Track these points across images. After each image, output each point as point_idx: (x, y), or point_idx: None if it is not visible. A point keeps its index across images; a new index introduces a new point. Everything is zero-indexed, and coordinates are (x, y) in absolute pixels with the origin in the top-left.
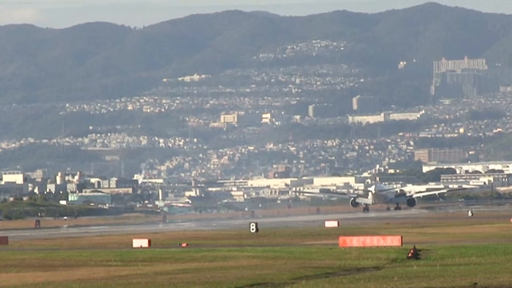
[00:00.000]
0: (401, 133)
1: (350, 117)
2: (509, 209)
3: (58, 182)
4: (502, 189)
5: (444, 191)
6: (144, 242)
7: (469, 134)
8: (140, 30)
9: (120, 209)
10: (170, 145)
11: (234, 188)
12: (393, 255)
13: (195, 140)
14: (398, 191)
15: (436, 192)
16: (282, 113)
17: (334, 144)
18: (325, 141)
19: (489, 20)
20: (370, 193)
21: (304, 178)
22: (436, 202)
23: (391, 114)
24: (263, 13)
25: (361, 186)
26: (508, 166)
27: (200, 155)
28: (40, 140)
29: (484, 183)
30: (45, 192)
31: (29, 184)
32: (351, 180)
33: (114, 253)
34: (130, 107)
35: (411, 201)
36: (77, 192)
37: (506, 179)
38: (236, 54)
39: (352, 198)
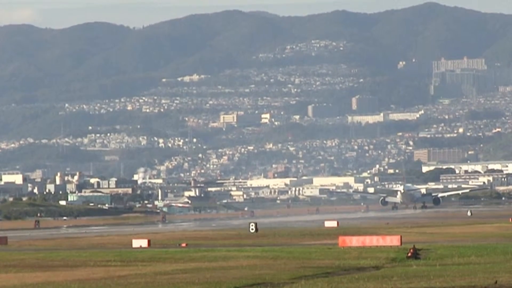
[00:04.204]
0: (400, 133)
1: (350, 117)
2: (509, 208)
3: (58, 182)
4: (501, 188)
5: (467, 190)
6: (143, 242)
7: (468, 134)
8: (139, 30)
9: (120, 209)
10: (170, 145)
11: (234, 188)
12: (392, 254)
13: (194, 140)
14: (425, 191)
15: (460, 192)
16: (282, 113)
17: (334, 144)
18: (325, 141)
19: (489, 20)
20: (399, 193)
21: (304, 178)
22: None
23: (391, 114)
24: (262, 13)
25: (360, 186)
26: (507, 166)
27: (200, 155)
28: (40, 140)
29: (484, 183)
30: (44, 192)
31: (29, 184)
32: (350, 180)
33: (114, 253)
34: (129, 107)
35: (436, 200)
36: (76, 192)
37: (505, 179)
38: (235, 54)
39: (382, 198)
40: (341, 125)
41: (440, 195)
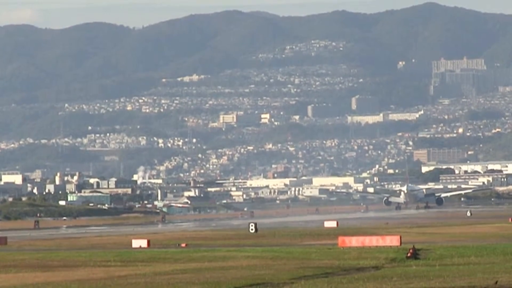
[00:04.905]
0: (400, 133)
1: (349, 117)
2: (508, 209)
3: (57, 182)
4: (501, 189)
5: (470, 190)
6: (143, 243)
7: (468, 134)
8: (139, 30)
9: (119, 210)
10: (169, 145)
11: (233, 188)
12: (392, 255)
13: (194, 140)
14: (424, 191)
15: (463, 192)
16: (281, 113)
17: (333, 144)
18: (324, 141)
19: (488, 20)
20: (402, 193)
21: (303, 178)
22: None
23: (390, 114)
24: (262, 13)
25: (360, 186)
26: (507, 166)
27: (199, 155)
28: (39, 141)
29: (483, 183)
30: (44, 193)
31: (28, 185)
32: (350, 180)
33: (113, 253)
34: (129, 107)
35: (439, 200)
36: (76, 192)
37: (505, 179)
38: (235, 54)
39: (385, 198)
40: (341, 125)
41: (443, 195)
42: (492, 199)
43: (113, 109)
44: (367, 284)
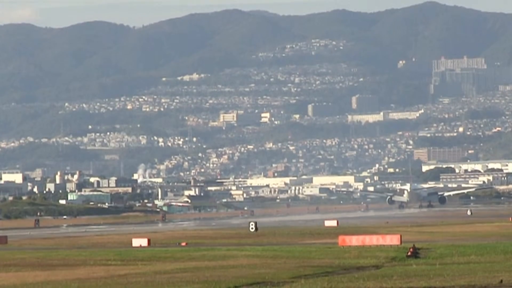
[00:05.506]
0: (400, 132)
1: (350, 116)
2: (508, 208)
3: (58, 181)
4: (501, 188)
5: (472, 189)
6: (143, 241)
7: (468, 133)
8: (139, 30)
9: (120, 209)
10: (170, 144)
11: (234, 187)
12: (392, 254)
13: (194, 139)
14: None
15: (465, 191)
16: (282, 112)
17: (333, 143)
18: (324, 140)
19: (488, 19)
20: (405, 192)
21: (303, 177)
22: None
23: (390, 113)
24: (262, 12)
25: (360, 185)
26: (507, 165)
27: (200, 154)
28: (40, 140)
29: (484, 182)
30: (44, 192)
31: (29, 184)
32: (350, 179)
33: (114, 252)
34: (129, 106)
35: (442, 199)
36: (76, 191)
37: (505, 178)
38: (235, 53)
39: (389, 197)
40: (341, 124)
41: (445, 194)
42: (502, 198)
43: (113, 108)
44: (367, 283)
